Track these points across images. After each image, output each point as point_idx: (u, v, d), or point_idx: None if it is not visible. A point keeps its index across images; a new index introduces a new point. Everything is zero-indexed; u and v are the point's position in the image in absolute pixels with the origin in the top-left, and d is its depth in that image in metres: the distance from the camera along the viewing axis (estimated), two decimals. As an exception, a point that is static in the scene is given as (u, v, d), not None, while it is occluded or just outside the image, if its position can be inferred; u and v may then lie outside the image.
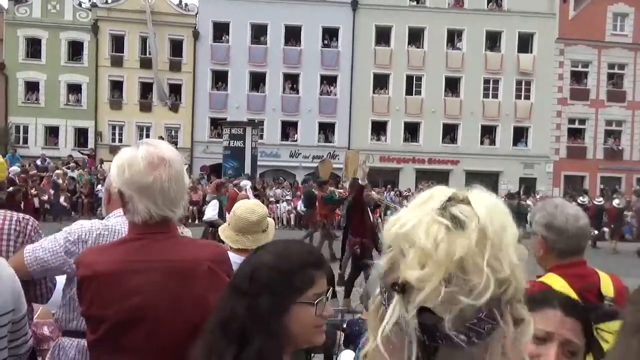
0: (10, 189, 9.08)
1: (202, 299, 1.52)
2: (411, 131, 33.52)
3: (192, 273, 1.56)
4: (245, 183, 13.76)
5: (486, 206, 0.77)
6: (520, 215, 15.73)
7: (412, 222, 0.75)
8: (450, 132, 33.57)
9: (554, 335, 1.47)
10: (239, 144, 23.49)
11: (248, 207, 2.77)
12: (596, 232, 17.40)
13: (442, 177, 33.58)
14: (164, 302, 1.52)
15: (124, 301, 1.49)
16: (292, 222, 21.25)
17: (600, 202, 18.79)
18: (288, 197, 21.85)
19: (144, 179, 1.53)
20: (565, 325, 1.47)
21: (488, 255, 0.73)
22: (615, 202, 18.58)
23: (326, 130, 33.65)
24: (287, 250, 1.27)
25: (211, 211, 9.46)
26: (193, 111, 32.28)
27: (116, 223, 1.96)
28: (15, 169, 16.83)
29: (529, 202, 19.75)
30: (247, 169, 23.47)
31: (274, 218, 20.76)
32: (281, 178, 26.52)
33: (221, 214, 9.54)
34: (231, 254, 2.69)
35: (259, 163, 25.89)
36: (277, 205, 21.63)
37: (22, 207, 12.67)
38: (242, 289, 1.21)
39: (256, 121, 29.54)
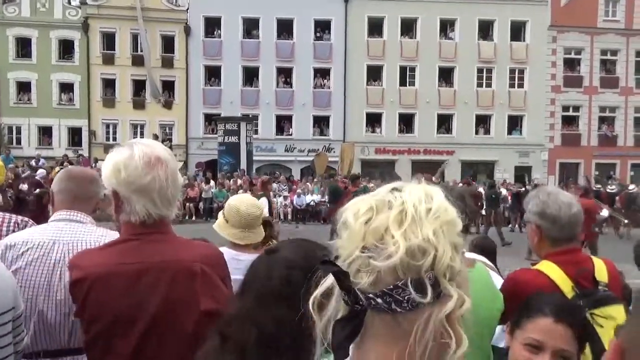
0: (37, 190, 9.13)
1: (192, 302, 1.52)
2: (406, 122, 33.49)
3: (183, 274, 1.55)
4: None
5: (416, 193, 0.85)
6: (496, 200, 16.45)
7: (349, 207, 0.85)
8: (445, 123, 33.56)
9: (546, 344, 1.49)
10: (234, 140, 23.45)
11: (250, 202, 2.80)
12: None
13: (437, 168, 33.56)
14: (156, 303, 1.51)
15: (116, 303, 1.49)
16: (290, 217, 21.25)
17: (632, 189, 18.61)
18: (285, 193, 21.81)
19: (142, 179, 1.53)
20: (557, 333, 1.49)
21: (405, 228, 0.80)
22: (610, 188, 18.65)
23: (321, 123, 33.59)
24: (310, 251, 1.25)
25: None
26: (187, 107, 32.14)
27: (45, 232, 1.85)
28: (43, 171, 16.87)
29: (502, 190, 20.03)
30: (243, 165, 23.46)
31: (271, 213, 20.74)
32: (277, 173, 26.48)
33: (271, 213, 9.77)
34: (230, 251, 2.70)
35: (254, 158, 25.87)
36: (275, 199, 21.61)
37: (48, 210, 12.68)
38: (282, 294, 1.15)
39: (250, 116, 29.46)
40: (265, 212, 10.14)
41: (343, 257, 0.83)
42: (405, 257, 0.79)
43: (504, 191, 19.62)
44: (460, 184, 22.42)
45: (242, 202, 2.81)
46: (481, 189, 19.46)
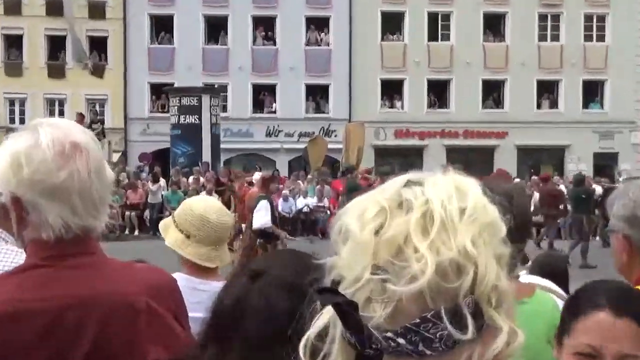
0: None
1: (135, 351, 1.51)
2: (438, 92, 33.59)
3: (121, 313, 1.54)
4: (259, 176, 14.20)
5: (443, 188, 0.86)
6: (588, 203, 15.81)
7: (350, 209, 0.87)
8: (493, 92, 33.68)
9: (604, 350, 1.47)
10: (193, 120, 23.48)
11: (218, 206, 2.91)
12: None
13: (483, 156, 33.80)
14: (81, 355, 1.50)
15: (23, 357, 1.47)
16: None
17: None
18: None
19: (53, 175, 1.50)
20: (618, 331, 1.47)
21: (432, 236, 0.81)
22: None
23: (316, 95, 33.64)
24: (306, 266, 1.28)
25: (263, 216, 9.76)
26: (125, 75, 32.16)
27: None
28: None
29: (595, 186, 19.68)
30: (206, 155, 23.49)
31: (274, 222, 20.74)
32: (256, 166, 26.53)
33: (274, 219, 9.97)
34: (189, 279, 2.74)
35: (223, 146, 25.95)
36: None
37: None
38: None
39: (216, 86, 29.50)
40: (267, 221, 10.08)
41: (346, 281, 0.83)
42: (436, 277, 0.79)
43: (598, 188, 19.18)
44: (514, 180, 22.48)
45: (208, 207, 2.85)
46: (562, 186, 19.38)
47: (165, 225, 2.92)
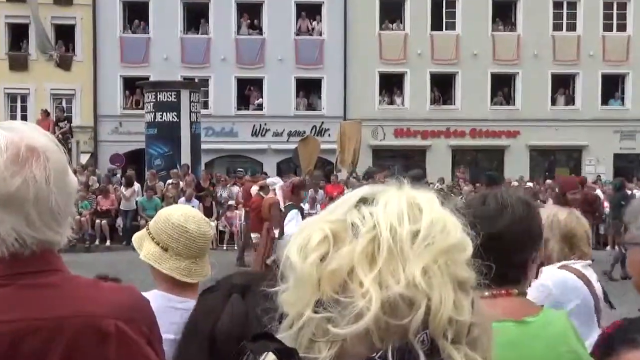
0: None
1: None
2: (442, 87, 33.70)
3: (88, 338, 1.52)
4: (273, 182, 14.65)
5: (394, 207, 0.86)
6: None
7: (293, 238, 0.88)
8: (503, 87, 33.83)
9: None
10: (171, 118, 23.47)
11: (196, 216, 2.90)
12: None
13: (493, 158, 33.90)
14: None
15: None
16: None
17: None
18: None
19: (5, 184, 1.49)
20: None
21: (379, 267, 0.82)
22: None
23: (308, 91, 33.67)
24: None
25: (293, 227, 9.87)
26: (95, 68, 32.14)
27: None
28: None
29: (637, 191, 19.79)
30: (185, 157, 23.47)
31: (230, 234, 20.84)
32: (240, 170, 26.49)
33: None
34: (165, 296, 2.76)
35: (204, 146, 25.94)
36: (236, 211, 21.61)
37: None
38: None
39: (196, 80, 29.44)
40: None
41: (290, 318, 0.84)
42: (382, 315, 0.80)
43: (638, 193, 19.27)
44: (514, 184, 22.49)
45: (187, 216, 2.85)
46: (599, 192, 19.33)
47: (140, 237, 2.92)
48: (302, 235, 0.88)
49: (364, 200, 0.89)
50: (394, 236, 0.84)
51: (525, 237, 1.99)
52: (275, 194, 13.89)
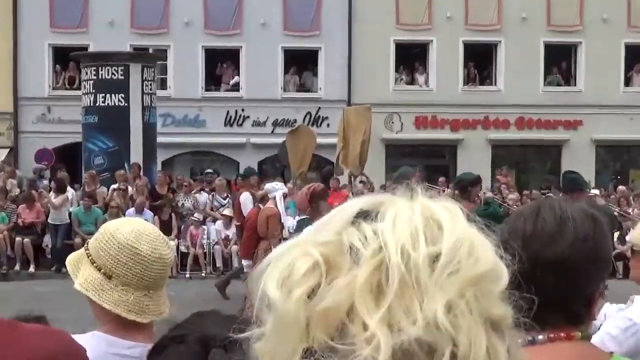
0: None
1: None
2: (480, 62, 33.66)
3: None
4: (274, 188, 14.61)
5: (404, 222, 0.87)
6: None
7: (276, 263, 0.89)
8: (561, 62, 33.81)
9: None
10: (117, 102, 23.41)
11: (152, 235, 2.90)
12: None
13: (546, 156, 33.76)
14: None
15: None
16: (235, 265, 21.18)
17: None
18: (225, 211, 21.76)
19: None
20: None
21: (390, 302, 0.82)
22: None
23: (301, 65, 33.59)
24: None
25: None
26: (15, 34, 32.10)
27: None
28: None
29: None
30: (136, 154, 23.39)
31: (195, 256, 20.78)
32: (209, 171, 26.41)
33: None
34: (110, 340, 2.75)
35: (160, 140, 25.85)
36: (203, 227, 21.51)
37: None
38: None
39: (151, 51, 29.31)
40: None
41: None
42: None
43: None
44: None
45: (139, 234, 2.84)
46: None
47: (76, 260, 2.90)
48: (282, 263, 0.88)
49: (364, 215, 0.90)
50: (407, 262, 0.84)
51: (592, 262, 1.99)
52: (275, 204, 13.88)
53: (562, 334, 1.91)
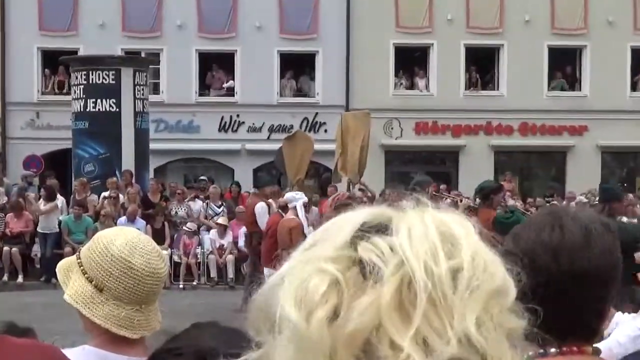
0: None
1: None
2: (482, 66, 33.69)
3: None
4: (294, 198, 14.71)
5: (420, 234, 0.87)
6: None
7: (287, 280, 0.89)
8: (565, 66, 33.83)
9: None
10: (108, 107, 23.41)
11: (146, 248, 2.89)
12: None
13: (551, 163, 33.72)
14: None
15: None
16: (231, 275, 21.16)
17: None
18: (220, 220, 21.76)
19: None
20: None
21: (419, 321, 0.82)
22: None
23: (297, 69, 33.60)
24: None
25: None
26: (3, 37, 32.10)
27: None
28: None
29: None
30: (128, 161, 23.36)
31: (187, 265, 20.77)
32: (202, 178, 26.37)
33: None
34: (105, 355, 2.75)
35: (153, 146, 25.84)
36: (198, 237, 21.49)
37: None
38: None
39: (143, 55, 29.29)
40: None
41: None
42: None
43: None
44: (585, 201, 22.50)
45: (132, 245, 2.84)
46: None
47: (66, 268, 2.89)
48: (295, 280, 0.88)
49: (374, 228, 0.89)
50: (432, 278, 0.84)
51: (611, 274, 2.01)
52: (296, 214, 13.99)
53: (574, 348, 1.91)
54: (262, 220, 16.55)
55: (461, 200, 16.04)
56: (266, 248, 14.77)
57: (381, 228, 0.89)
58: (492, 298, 0.86)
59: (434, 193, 19.80)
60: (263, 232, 15.95)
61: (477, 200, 13.92)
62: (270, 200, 17.73)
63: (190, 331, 2.15)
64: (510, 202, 16.66)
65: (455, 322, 0.82)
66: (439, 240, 0.87)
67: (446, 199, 16.85)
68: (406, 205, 0.93)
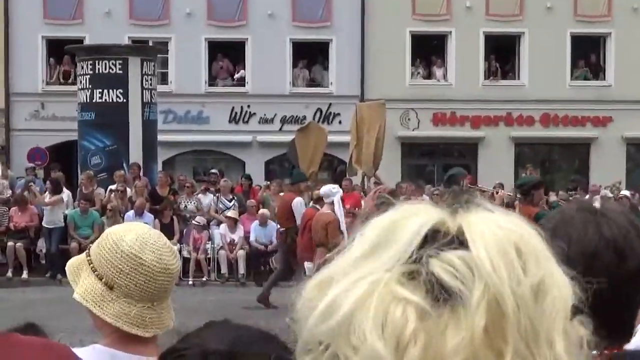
0: None
1: None
2: (502, 55, 33.61)
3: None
4: (331, 192, 14.65)
5: (496, 246, 0.83)
6: None
7: (352, 301, 0.84)
8: (589, 54, 33.70)
9: None
10: (115, 97, 23.47)
11: (158, 243, 2.91)
12: None
13: (574, 155, 33.61)
14: None
15: None
16: (242, 271, 21.17)
17: None
18: (230, 213, 21.76)
19: None
20: None
21: (511, 353, 0.80)
22: None
23: (311, 58, 33.63)
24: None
25: None
26: (6, 26, 32.18)
27: None
28: None
29: None
30: (136, 153, 23.43)
31: (196, 260, 20.76)
32: (213, 171, 26.39)
33: None
34: (116, 354, 2.77)
35: (161, 138, 25.89)
36: (207, 231, 21.48)
37: None
38: None
39: (151, 43, 29.33)
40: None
41: None
42: None
43: None
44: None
45: (143, 241, 2.84)
46: None
47: (76, 266, 2.89)
48: (370, 303, 0.83)
49: (442, 236, 0.85)
50: (518, 301, 0.81)
51: None
52: (333, 209, 13.95)
53: (615, 350, 1.88)
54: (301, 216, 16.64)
55: (497, 193, 16.02)
56: (304, 243, 14.81)
57: (449, 237, 0.85)
58: (567, 312, 0.84)
59: (469, 186, 19.78)
60: (297, 226, 15.98)
61: (518, 196, 13.88)
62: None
63: (200, 331, 2.14)
64: (552, 197, 16.63)
65: (544, 351, 0.81)
66: (513, 252, 0.83)
67: (482, 192, 16.82)
68: (462, 206, 0.89)
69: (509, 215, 0.89)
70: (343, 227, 13.29)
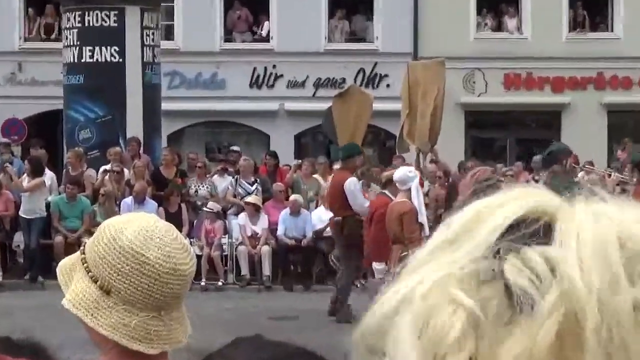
0: None
1: None
2: (591, 3, 33.53)
3: None
4: (407, 176, 14.87)
5: (595, 247, 0.82)
6: None
7: (399, 298, 0.88)
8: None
9: None
10: (109, 57, 23.66)
11: (166, 237, 2.94)
12: None
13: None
14: None
15: None
16: (266, 272, 21.24)
17: None
18: (251, 199, 21.85)
19: None
20: None
21: None
22: None
23: (351, 8, 33.70)
24: None
25: None
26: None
27: None
28: None
29: None
30: (135, 125, 23.59)
31: (209, 258, 20.86)
32: (233, 148, 26.56)
33: None
34: None
35: (166, 107, 26.08)
36: (223, 222, 21.59)
37: None
38: None
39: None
40: None
41: None
42: None
43: None
44: None
45: (148, 236, 2.85)
46: None
47: (69, 266, 2.92)
48: (416, 304, 0.85)
49: (530, 230, 0.83)
50: (607, 317, 0.78)
51: None
52: (409, 197, 14.07)
53: None
54: (357, 200, 16.64)
55: (609, 175, 16.04)
56: (373, 237, 14.91)
57: (538, 231, 0.83)
58: None
59: (573, 166, 19.76)
60: (356, 214, 16.05)
61: (634, 176, 13.91)
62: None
63: (228, 349, 2.16)
64: None
65: None
66: (618, 254, 0.80)
67: (590, 173, 16.89)
68: (572, 194, 0.87)
69: (628, 206, 0.86)
70: (423, 218, 13.37)
